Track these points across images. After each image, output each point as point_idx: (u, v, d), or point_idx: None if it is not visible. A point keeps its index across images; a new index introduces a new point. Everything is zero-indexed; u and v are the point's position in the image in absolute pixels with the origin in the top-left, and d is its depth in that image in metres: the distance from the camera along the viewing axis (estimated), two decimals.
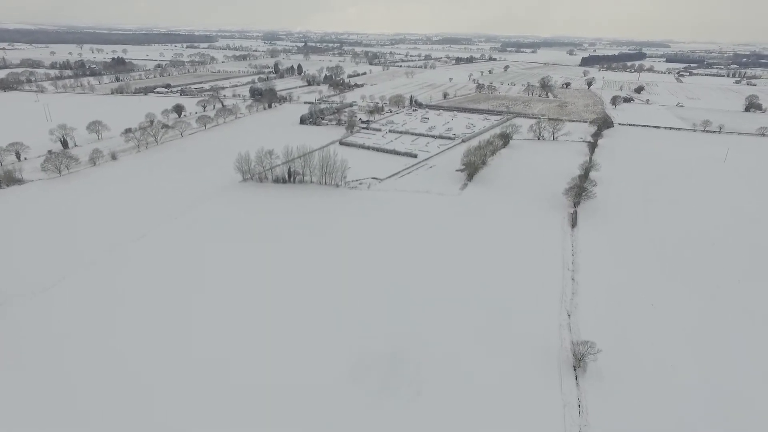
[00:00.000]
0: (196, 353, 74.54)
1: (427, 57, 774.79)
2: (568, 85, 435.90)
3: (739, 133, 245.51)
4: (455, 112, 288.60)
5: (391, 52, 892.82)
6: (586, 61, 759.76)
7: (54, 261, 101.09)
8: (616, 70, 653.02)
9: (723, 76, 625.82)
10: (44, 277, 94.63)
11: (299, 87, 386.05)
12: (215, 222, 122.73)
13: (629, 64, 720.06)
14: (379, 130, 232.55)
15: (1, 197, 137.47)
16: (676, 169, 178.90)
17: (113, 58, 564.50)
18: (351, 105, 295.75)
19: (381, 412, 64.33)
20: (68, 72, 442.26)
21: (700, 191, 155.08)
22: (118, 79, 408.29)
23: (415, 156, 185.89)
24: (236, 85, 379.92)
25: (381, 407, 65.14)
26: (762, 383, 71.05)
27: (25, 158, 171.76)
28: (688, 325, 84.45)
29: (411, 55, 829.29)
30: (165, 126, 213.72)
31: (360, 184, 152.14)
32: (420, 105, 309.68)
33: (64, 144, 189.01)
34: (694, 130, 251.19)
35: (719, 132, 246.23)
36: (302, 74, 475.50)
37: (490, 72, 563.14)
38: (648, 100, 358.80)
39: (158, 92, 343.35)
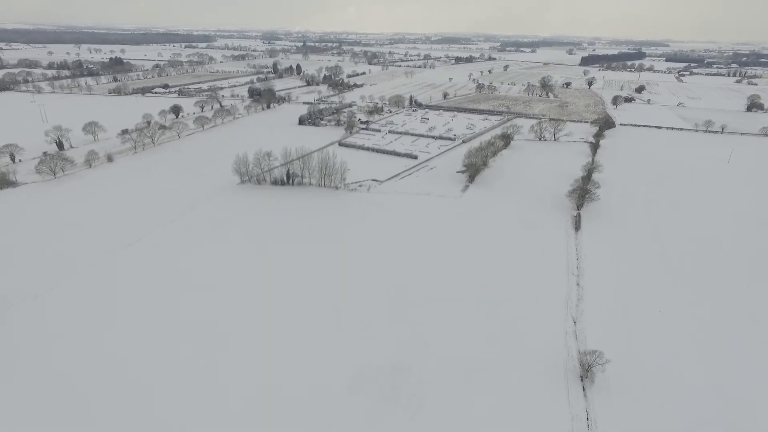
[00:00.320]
0: (192, 362, 72.27)
1: (427, 57, 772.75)
2: (568, 84, 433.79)
3: (742, 134, 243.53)
4: (455, 112, 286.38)
5: (390, 52, 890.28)
6: (585, 61, 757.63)
7: (47, 267, 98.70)
8: (616, 70, 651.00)
9: (723, 75, 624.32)
10: (36, 284, 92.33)
11: (298, 87, 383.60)
12: (212, 226, 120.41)
13: (629, 63, 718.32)
14: (379, 130, 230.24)
15: None
16: (680, 170, 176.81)
17: (111, 58, 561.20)
18: (350, 105, 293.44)
19: (382, 426, 62.11)
20: (65, 72, 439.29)
21: (704, 193, 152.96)
22: (115, 80, 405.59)
23: (416, 157, 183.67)
24: (235, 86, 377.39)
25: (382, 421, 62.91)
26: None
27: (20, 160, 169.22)
28: (696, 333, 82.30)
29: (410, 55, 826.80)
30: (162, 127, 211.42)
31: (360, 186, 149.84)
32: (420, 105, 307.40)
33: (60, 145, 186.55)
34: (696, 131, 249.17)
35: (722, 132, 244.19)
36: (301, 74, 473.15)
37: (489, 72, 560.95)
38: (649, 100, 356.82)
39: (156, 93, 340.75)
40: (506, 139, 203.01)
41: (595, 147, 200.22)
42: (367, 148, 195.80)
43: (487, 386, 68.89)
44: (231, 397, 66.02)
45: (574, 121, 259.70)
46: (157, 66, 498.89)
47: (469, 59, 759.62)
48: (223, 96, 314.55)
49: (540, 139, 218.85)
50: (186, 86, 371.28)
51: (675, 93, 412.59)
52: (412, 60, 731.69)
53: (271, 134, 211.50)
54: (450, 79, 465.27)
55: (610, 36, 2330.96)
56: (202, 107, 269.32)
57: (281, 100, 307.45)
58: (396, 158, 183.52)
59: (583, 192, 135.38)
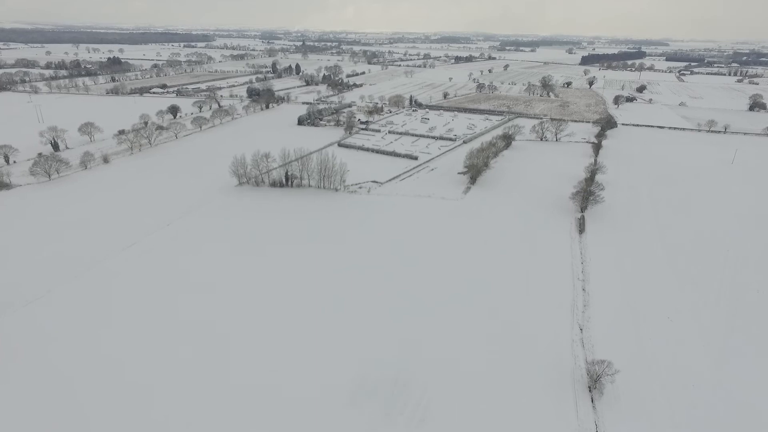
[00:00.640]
0: (187, 369, 70.04)
1: (426, 56, 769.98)
2: (569, 84, 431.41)
3: (745, 133, 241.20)
4: (456, 112, 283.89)
5: (389, 51, 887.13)
6: (585, 60, 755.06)
7: (39, 271, 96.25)
8: (617, 69, 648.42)
9: (724, 74, 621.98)
10: (29, 288, 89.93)
11: (297, 87, 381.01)
12: (209, 229, 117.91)
13: (629, 63, 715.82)
14: (379, 131, 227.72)
15: None
16: (684, 171, 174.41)
17: (109, 58, 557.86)
18: (350, 105, 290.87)
19: None
20: (63, 72, 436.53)
21: (709, 194, 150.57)
22: (113, 80, 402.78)
23: (416, 158, 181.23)
24: (233, 85, 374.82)
25: None
26: None
27: (14, 161, 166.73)
28: (707, 341, 79.87)
29: (409, 54, 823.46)
30: (159, 127, 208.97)
31: (360, 188, 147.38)
32: (420, 105, 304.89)
33: (55, 146, 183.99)
34: (699, 130, 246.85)
35: (725, 132, 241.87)
36: (300, 74, 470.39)
37: (490, 71, 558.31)
38: (651, 100, 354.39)
39: (154, 93, 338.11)
40: (508, 139, 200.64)
41: (597, 147, 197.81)
42: (367, 149, 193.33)
43: (492, 398, 66.48)
44: (228, 409, 63.61)
45: (575, 121, 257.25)
46: (155, 66, 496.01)
47: (469, 59, 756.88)
48: (221, 96, 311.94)
49: (542, 140, 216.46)
50: (184, 86, 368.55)
51: (676, 92, 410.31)
52: (411, 59, 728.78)
53: (269, 135, 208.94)
54: (450, 78, 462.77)
55: (610, 35, 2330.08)
56: (201, 107, 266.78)
57: (280, 100, 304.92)
58: (396, 159, 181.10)
59: (586, 194, 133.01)
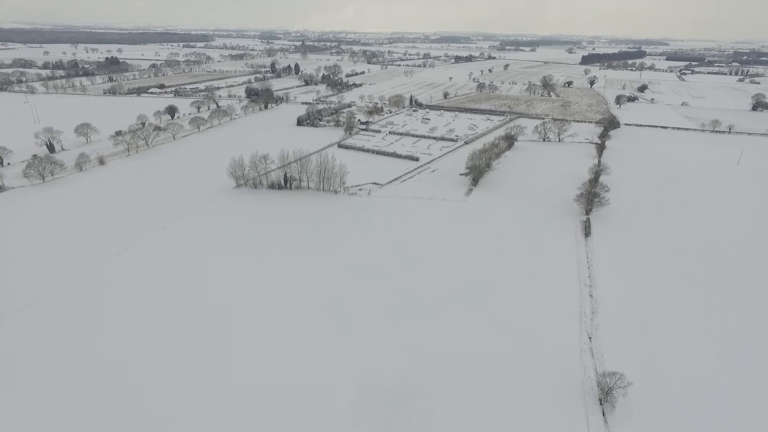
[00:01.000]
0: (183, 375, 67.79)
1: (426, 56, 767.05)
2: (570, 84, 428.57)
3: (749, 134, 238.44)
4: (456, 112, 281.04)
5: (389, 51, 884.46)
6: (586, 60, 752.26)
7: (31, 278, 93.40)
8: (617, 69, 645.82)
9: (725, 74, 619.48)
10: (19, 296, 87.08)
11: (296, 87, 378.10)
12: (206, 233, 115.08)
13: (630, 62, 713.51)
14: (379, 131, 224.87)
15: None
16: (689, 172, 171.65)
17: (107, 58, 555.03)
18: (349, 105, 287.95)
19: None
20: (60, 72, 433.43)
21: (715, 196, 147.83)
22: (111, 80, 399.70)
23: (417, 159, 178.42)
24: (232, 85, 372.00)
25: None
26: None
27: (8, 163, 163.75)
28: (720, 349, 77.17)
29: (409, 54, 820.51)
30: (157, 128, 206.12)
31: (360, 190, 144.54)
32: (420, 105, 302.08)
33: (50, 148, 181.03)
34: (703, 131, 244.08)
35: (729, 132, 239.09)
36: (299, 74, 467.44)
37: (490, 71, 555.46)
38: (653, 99, 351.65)
39: (151, 93, 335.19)
40: (510, 140, 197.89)
41: (600, 148, 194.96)
42: (367, 150, 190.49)
43: (499, 410, 63.73)
44: (226, 411, 60.98)
45: (577, 121, 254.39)
46: (153, 66, 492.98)
47: (469, 58, 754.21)
48: (219, 96, 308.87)
49: (544, 140, 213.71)
50: (182, 86, 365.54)
51: (678, 92, 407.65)
52: (411, 59, 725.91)
53: (268, 135, 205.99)
54: (450, 78, 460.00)
55: (609, 34, 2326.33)
56: (199, 108, 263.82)
57: (279, 100, 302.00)
58: (397, 160, 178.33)
59: (591, 196, 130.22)
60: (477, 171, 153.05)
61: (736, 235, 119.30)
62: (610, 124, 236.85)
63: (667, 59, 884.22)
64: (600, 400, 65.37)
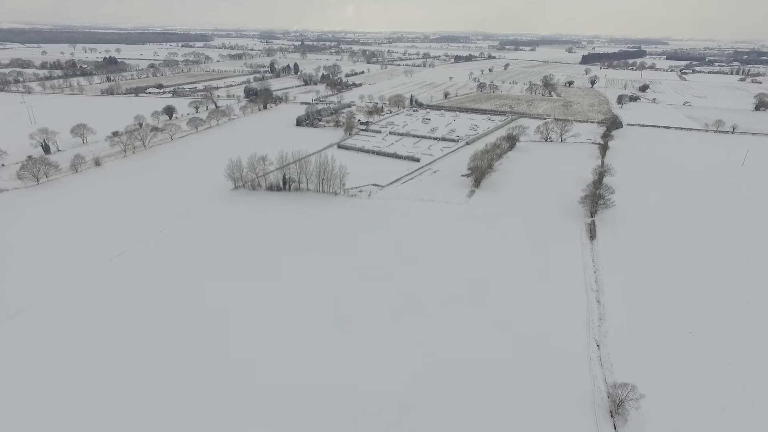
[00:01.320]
0: (182, 379, 66.00)
1: (426, 55, 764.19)
2: (570, 83, 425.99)
3: (753, 134, 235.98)
4: (457, 112, 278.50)
5: (389, 51, 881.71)
6: (586, 59, 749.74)
7: (22, 282, 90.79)
8: (618, 68, 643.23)
9: (726, 73, 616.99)
10: (12, 300, 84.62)
11: (296, 87, 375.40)
12: (204, 235, 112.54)
13: (630, 61, 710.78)
14: (379, 132, 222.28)
15: None
16: (694, 173, 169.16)
17: (105, 58, 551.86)
18: (349, 105, 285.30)
19: None
20: (58, 72, 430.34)
21: (722, 197, 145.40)
22: (108, 80, 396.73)
23: (418, 160, 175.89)
24: (231, 85, 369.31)
25: None
26: None
27: (2, 165, 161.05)
28: (732, 356, 74.75)
29: (409, 54, 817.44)
30: (154, 129, 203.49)
31: (360, 191, 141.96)
32: (421, 105, 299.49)
33: (46, 149, 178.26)
34: (706, 131, 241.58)
35: (732, 132, 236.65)
36: (299, 73, 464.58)
37: (490, 71, 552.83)
38: (655, 99, 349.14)
39: (150, 93, 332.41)
40: (512, 140, 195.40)
41: (604, 148, 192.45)
42: (367, 151, 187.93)
43: (505, 422, 61.22)
44: (227, 417, 58.83)
45: (579, 121, 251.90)
46: (152, 65, 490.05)
47: (469, 58, 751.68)
48: (218, 96, 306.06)
49: (546, 141, 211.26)
50: (181, 86, 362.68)
51: (680, 92, 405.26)
52: (411, 59, 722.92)
53: (267, 136, 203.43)
54: (450, 78, 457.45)
55: (609, 34, 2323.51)
56: (197, 108, 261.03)
57: (278, 100, 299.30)
58: (397, 161, 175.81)
59: (596, 198, 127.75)
60: (479, 172, 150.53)
61: (743, 237, 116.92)
62: (612, 124, 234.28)
63: (667, 59, 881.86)
64: (611, 412, 62.90)
